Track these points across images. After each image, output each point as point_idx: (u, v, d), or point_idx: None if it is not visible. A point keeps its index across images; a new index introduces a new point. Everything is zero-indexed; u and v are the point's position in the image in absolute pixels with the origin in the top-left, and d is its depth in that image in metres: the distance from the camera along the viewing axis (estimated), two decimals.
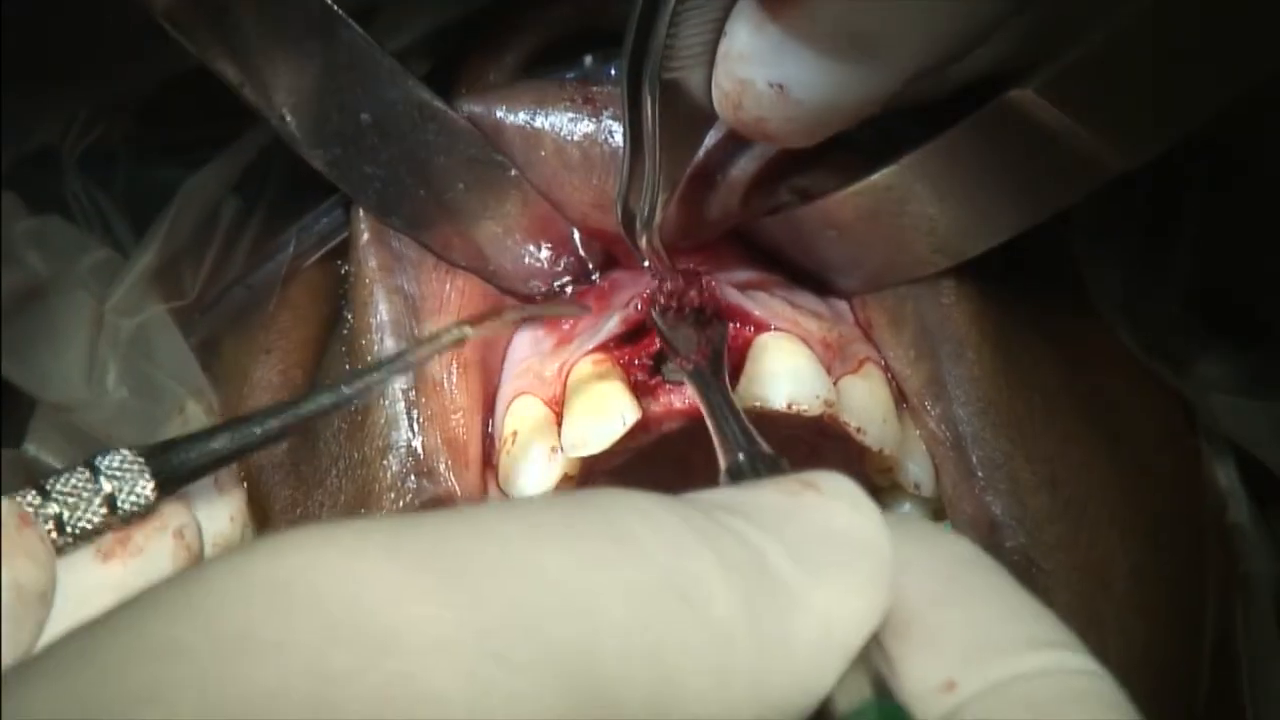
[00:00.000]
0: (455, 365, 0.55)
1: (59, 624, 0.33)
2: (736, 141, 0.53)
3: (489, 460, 0.57)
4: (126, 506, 0.36)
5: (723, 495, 0.31)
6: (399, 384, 0.54)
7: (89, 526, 0.36)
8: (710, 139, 0.53)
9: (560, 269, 0.59)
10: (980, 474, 0.53)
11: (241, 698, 0.21)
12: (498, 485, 0.57)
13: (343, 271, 0.60)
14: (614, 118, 0.54)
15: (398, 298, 0.56)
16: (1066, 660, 0.30)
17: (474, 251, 0.57)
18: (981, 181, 0.51)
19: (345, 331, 0.58)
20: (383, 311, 0.55)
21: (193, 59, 0.53)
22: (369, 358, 0.55)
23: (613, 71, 0.58)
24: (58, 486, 0.35)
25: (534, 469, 0.55)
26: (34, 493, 0.35)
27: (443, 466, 0.54)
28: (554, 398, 0.56)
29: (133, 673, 0.21)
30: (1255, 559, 0.59)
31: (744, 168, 0.54)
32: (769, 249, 0.59)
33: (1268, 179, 0.62)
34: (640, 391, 0.56)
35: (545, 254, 0.58)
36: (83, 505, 0.35)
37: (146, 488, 0.37)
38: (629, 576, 0.26)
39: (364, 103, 0.54)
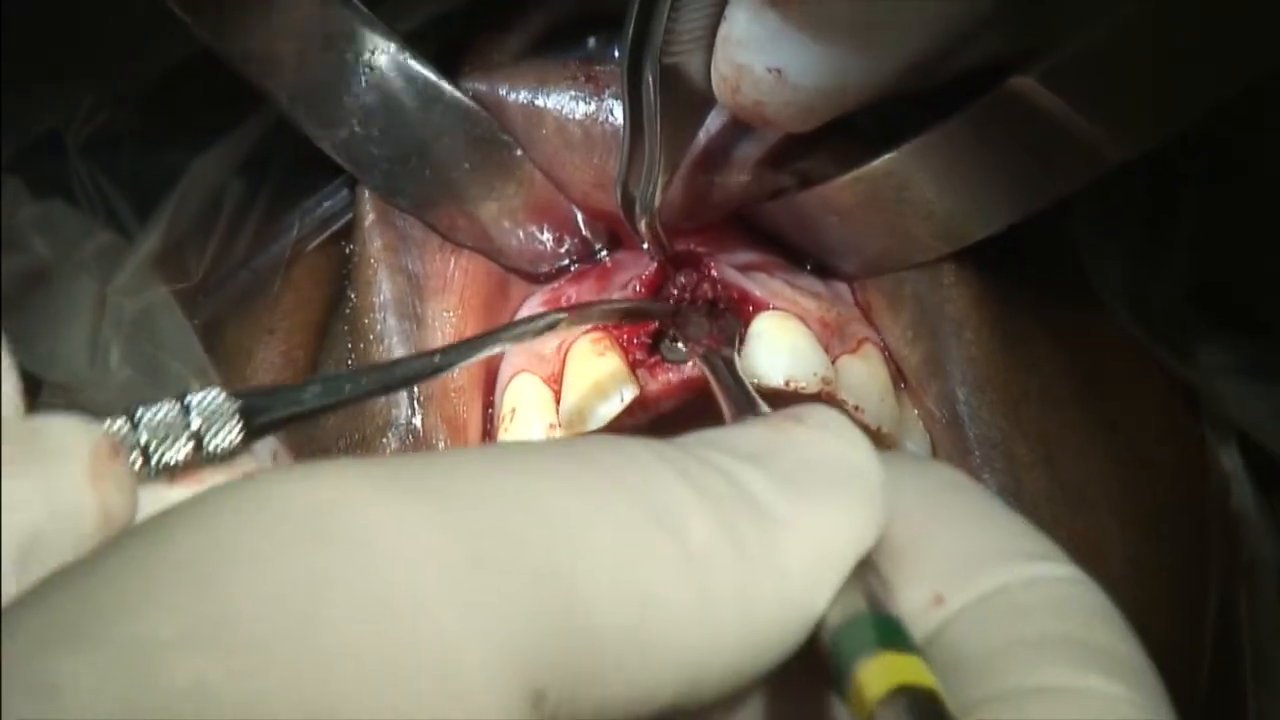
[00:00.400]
0: None
1: None
2: (737, 126, 0.54)
3: (489, 438, 0.58)
4: (213, 447, 0.36)
5: (708, 434, 0.31)
6: None
7: (174, 462, 0.35)
8: (711, 123, 0.54)
9: (565, 249, 0.60)
10: (977, 452, 0.53)
11: (234, 603, 0.22)
12: None
13: (347, 251, 0.60)
14: (615, 97, 0.55)
15: (401, 277, 0.57)
16: (1052, 570, 0.30)
17: (479, 231, 0.58)
18: (981, 169, 0.51)
19: (348, 311, 0.59)
20: (386, 291, 0.56)
21: (198, 44, 0.53)
22: (371, 337, 0.56)
23: (616, 53, 0.58)
24: (147, 418, 0.35)
25: None
26: (124, 421, 0.35)
27: (441, 444, 0.55)
28: (552, 375, 0.57)
29: (123, 582, 0.22)
30: (1260, 546, 0.59)
31: (745, 152, 0.55)
32: (769, 232, 0.59)
33: (1267, 177, 0.62)
34: (639, 369, 0.57)
35: (549, 234, 0.59)
36: (170, 440, 0.35)
37: (235, 431, 0.36)
38: (605, 504, 0.26)
39: (370, 84, 0.55)
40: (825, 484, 0.29)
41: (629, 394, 0.55)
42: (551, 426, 0.56)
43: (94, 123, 0.61)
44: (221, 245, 0.61)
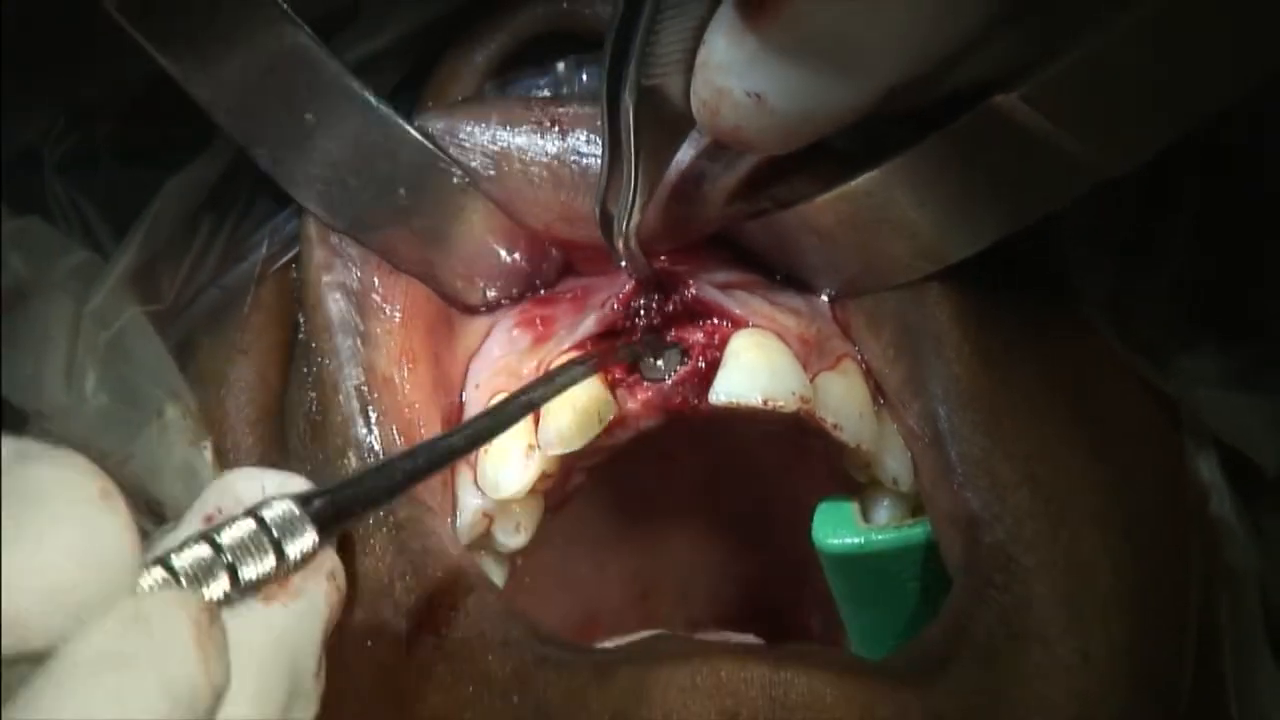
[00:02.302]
0: (404, 360, 0.56)
1: None
2: (716, 148, 0.53)
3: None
4: (294, 556, 0.37)
5: None
6: (351, 381, 0.55)
7: (260, 578, 0.36)
8: (691, 144, 0.53)
9: (507, 276, 0.60)
10: (959, 470, 0.52)
11: None
12: (474, 482, 0.57)
13: (293, 275, 0.60)
14: (581, 138, 0.55)
15: (341, 295, 0.57)
16: None
17: (417, 257, 0.58)
18: (964, 187, 0.50)
19: (301, 334, 0.59)
20: (330, 310, 0.56)
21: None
22: (322, 358, 0.56)
23: (584, 77, 0.58)
24: (228, 539, 0.35)
25: (512, 467, 0.56)
26: (205, 545, 0.35)
27: None
28: None
29: None
30: (1239, 554, 0.59)
31: (724, 173, 0.54)
32: (750, 251, 0.59)
33: (1262, 173, 0.62)
34: (618, 389, 0.57)
35: (492, 261, 0.59)
36: (254, 557, 0.36)
37: (311, 537, 0.37)
38: None
39: (309, 103, 0.55)
40: None
41: (608, 414, 0.55)
42: (531, 448, 0.56)
43: (69, 140, 0.61)
44: (194, 264, 0.61)
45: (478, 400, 0.59)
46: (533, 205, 0.57)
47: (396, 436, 0.55)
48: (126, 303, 0.58)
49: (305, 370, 0.57)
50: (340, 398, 0.54)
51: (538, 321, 0.59)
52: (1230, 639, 0.58)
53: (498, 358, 0.59)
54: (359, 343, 0.56)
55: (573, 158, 0.55)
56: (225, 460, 0.58)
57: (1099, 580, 0.52)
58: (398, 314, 0.57)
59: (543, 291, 0.61)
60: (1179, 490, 0.60)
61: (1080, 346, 0.60)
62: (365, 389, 0.55)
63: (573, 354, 0.56)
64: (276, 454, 0.57)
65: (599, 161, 0.52)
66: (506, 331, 0.60)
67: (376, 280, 0.57)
